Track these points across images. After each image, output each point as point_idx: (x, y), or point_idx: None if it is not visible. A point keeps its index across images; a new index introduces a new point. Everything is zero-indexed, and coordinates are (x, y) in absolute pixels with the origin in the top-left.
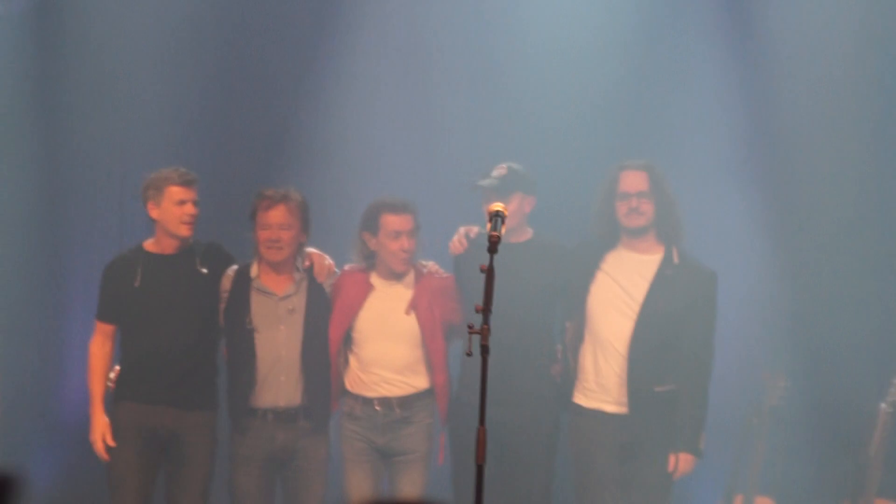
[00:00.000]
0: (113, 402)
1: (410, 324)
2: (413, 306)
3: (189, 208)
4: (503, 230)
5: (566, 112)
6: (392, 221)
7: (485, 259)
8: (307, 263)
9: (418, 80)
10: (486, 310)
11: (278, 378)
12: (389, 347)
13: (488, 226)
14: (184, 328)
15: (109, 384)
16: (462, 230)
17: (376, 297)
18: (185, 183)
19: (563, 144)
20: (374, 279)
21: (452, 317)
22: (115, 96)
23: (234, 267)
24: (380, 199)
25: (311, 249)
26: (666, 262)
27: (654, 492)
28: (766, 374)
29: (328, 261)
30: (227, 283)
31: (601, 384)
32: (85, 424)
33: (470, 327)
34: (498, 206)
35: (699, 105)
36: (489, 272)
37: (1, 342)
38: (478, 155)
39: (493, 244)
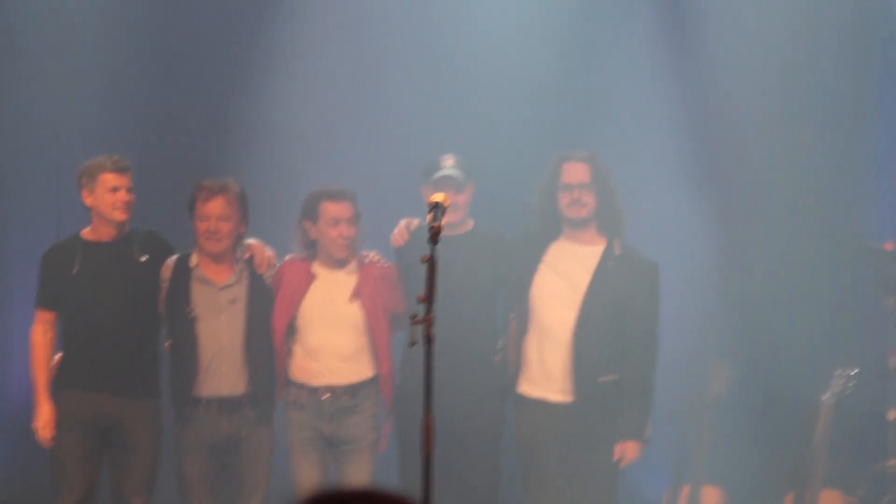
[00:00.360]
0: (54, 390)
1: (354, 311)
2: (357, 293)
3: (122, 195)
4: (444, 221)
5: (507, 102)
6: (331, 209)
7: (426, 251)
8: (247, 255)
9: (359, 70)
10: (428, 300)
11: (220, 367)
12: (334, 335)
13: (428, 217)
14: (123, 316)
15: (51, 372)
16: (403, 223)
17: (319, 285)
18: (119, 170)
19: (504, 134)
20: (317, 268)
21: (395, 305)
22: (51, 83)
23: (175, 256)
24: (319, 187)
25: (251, 240)
26: (607, 254)
27: (600, 481)
28: (710, 363)
29: (269, 252)
30: (166, 272)
31: (546, 373)
32: (29, 414)
33: (413, 317)
34: (438, 196)
35: (641, 96)
36: (431, 262)
37: None
38: (418, 146)
39: (434, 234)
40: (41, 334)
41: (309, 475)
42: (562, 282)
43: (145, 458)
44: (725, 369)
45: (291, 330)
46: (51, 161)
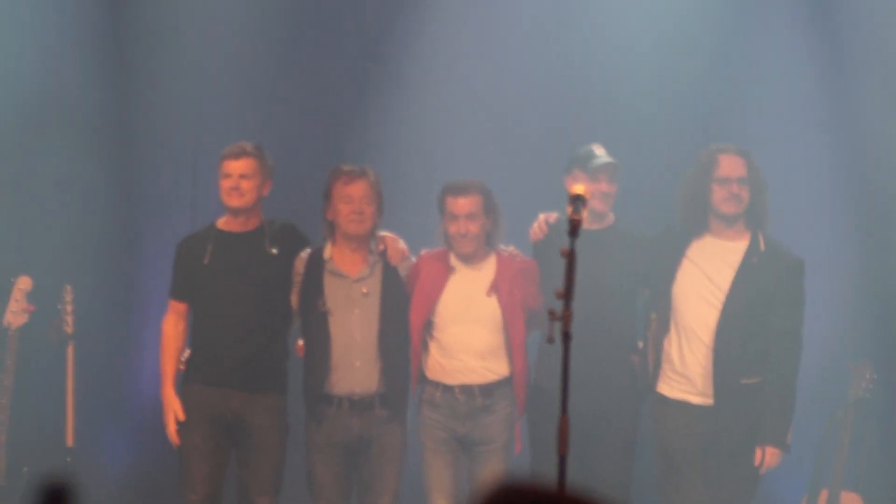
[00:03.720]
0: (181, 384)
1: (492, 307)
2: (494, 289)
3: (230, 181)
4: (585, 213)
5: (647, 96)
6: (451, 203)
7: (565, 245)
8: (381, 247)
9: (498, 62)
10: (567, 295)
11: (353, 363)
12: (471, 330)
13: (569, 209)
14: (252, 309)
15: (180, 366)
16: (542, 216)
17: (457, 279)
18: (233, 156)
19: (640, 130)
20: (454, 261)
21: (532, 302)
22: (189, 74)
23: (308, 250)
24: (448, 181)
25: (384, 233)
26: (752, 250)
27: (740, 486)
28: (852, 365)
29: (402, 244)
30: (300, 266)
31: (686, 375)
32: (159, 406)
33: (551, 313)
34: (579, 188)
35: (784, 89)
36: (570, 256)
37: (76, 323)
38: (556, 139)
39: (575, 227)
40: (172, 325)
41: (442, 476)
42: (705, 279)
43: (271, 457)
44: (868, 371)
45: (428, 325)
46: (187, 150)
